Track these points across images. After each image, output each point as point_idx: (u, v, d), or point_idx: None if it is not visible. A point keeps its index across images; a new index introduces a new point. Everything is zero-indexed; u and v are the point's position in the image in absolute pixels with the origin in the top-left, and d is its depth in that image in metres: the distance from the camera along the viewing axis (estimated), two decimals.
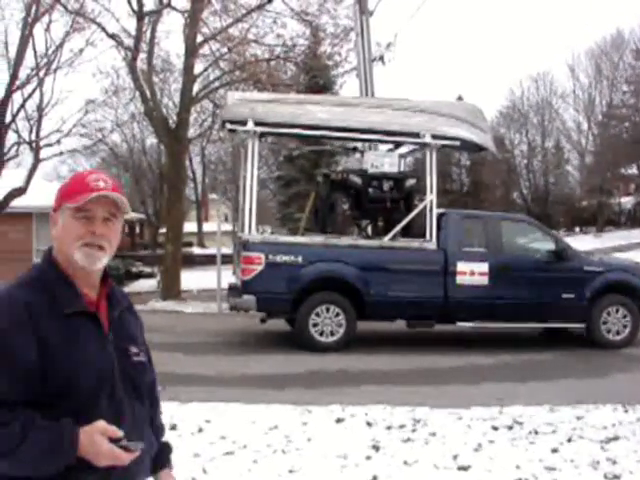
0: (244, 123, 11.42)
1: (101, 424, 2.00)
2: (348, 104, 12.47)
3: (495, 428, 6.56)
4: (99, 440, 1.98)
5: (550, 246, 11.77)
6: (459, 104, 13.21)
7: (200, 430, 6.45)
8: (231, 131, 12.43)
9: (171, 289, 19.44)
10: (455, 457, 5.71)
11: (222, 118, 12.45)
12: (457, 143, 12.14)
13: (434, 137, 11.79)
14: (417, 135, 11.87)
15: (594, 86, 55.08)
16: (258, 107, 11.62)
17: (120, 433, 2.01)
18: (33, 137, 23.21)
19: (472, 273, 11.31)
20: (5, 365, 1.98)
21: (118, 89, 26.82)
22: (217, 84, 21.39)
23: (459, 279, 11.29)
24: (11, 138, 22.94)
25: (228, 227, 31.42)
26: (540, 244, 11.93)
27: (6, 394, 1.96)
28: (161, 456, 2.41)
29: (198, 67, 20.86)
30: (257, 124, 11.43)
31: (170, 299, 18.65)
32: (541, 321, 11.91)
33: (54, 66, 22.53)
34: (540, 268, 11.59)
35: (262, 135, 12.05)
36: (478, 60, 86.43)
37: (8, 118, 21.75)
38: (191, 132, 23.77)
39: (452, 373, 9.62)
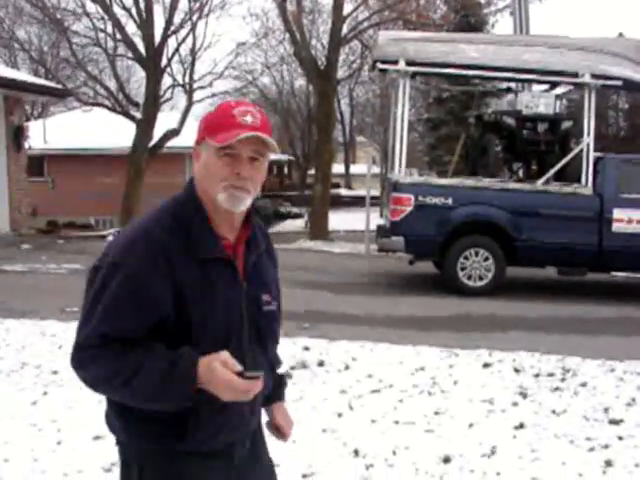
0: (395, 63, 11.29)
1: (223, 354, 1.92)
2: (501, 42, 12.01)
3: None
4: (216, 366, 1.89)
5: None
6: (622, 40, 12.45)
7: (347, 367, 6.58)
8: (382, 71, 12.34)
9: (319, 229, 19.73)
10: (606, 410, 5.55)
11: (373, 58, 12.37)
12: (619, 83, 11.47)
13: (594, 77, 11.20)
14: (575, 75, 11.33)
15: None
16: (409, 46, 11.43)
17: (239, 368, 1.91)
18: (187, 80, 24.03)
19: (630, 221, 10.80)
20: (136, 305, 1.93)
21: (268, 31, 27.21)
22: (366, 24, 21.20)
23: (615, 226, 10.81)
24: (166, 81, 23.87)
25: (376, 169, 31.45)
26: None
27: (132, 333, 1.93)
28: (275, 389, 2.36)
29: (347, 7, 20.73)
30: (408, 64, 11.27)
31: (318, 239, 18.95)
32: None
33: (206, 10, 23.14)
34: None
35: (413, 75, 11.89)
36: None
37: (164, 62, 22.56)
38: (340, 73, 23.75)
39: (604, 324, 9.28)
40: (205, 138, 2.03)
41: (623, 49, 11.55)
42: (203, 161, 2.04)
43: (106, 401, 2.10)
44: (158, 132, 22.36)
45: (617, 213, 10.80)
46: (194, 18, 22.94)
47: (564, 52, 11.43)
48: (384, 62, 11.51)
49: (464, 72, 12.00)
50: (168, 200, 2.12)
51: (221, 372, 1.89)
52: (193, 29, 23.26)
